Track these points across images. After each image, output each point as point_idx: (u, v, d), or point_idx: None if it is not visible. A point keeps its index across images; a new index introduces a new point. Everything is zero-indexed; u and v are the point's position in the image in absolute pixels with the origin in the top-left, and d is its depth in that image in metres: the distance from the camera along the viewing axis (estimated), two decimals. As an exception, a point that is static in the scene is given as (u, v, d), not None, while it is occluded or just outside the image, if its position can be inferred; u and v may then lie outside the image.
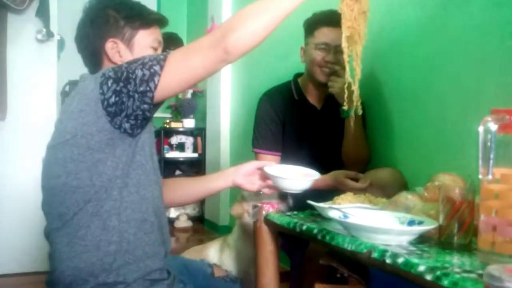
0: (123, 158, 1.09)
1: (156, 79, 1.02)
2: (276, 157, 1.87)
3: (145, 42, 1.25)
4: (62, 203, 1.09)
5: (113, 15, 1.23)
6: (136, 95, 1.03)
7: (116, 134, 1.06)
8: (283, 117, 1.90)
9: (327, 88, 1.80)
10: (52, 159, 1.13)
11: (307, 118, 1.90)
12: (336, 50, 1.79)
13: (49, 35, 2.62)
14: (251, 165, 1.40)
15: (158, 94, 1.04)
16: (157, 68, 1.02)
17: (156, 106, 1.10)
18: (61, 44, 3.41)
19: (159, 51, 1.29)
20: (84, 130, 1.06)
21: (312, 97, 1.93)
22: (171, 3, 4.75)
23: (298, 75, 1.99)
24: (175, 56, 1.05)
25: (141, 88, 1.02)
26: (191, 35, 4.68)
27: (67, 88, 3.86)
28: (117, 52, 1.23)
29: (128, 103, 1.03)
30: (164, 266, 1.16)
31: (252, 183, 1.38)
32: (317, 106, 1.93)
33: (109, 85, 1.04)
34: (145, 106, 1.04)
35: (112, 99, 1.04)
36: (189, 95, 4.34)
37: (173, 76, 1.03)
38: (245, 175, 1.38)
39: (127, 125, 1.06)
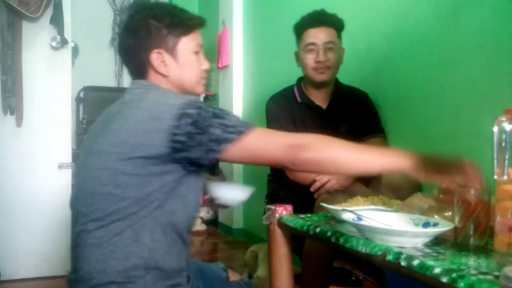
0: (170, 185, 1.09)
1: (226, 146, 1.03)
2: None
3: (187, 48, 1.24)
4: (103, 210, 1.08)
5: (155, 25, 1.20)
6: (205, 148, 1.04)
7: (173, 165, 1.07)
8: (293, 117, 1.93)
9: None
10: (102, 165, 1.11)
11: (313, 119, 1.92)
12: (325, 48, 1.84)
13: (63, 42, 2.65)
14: None
15: (224, 157, 1.06)
16: (232, 136, 1.03)
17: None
18: (75, 51, 3.46)
19: (201, 54, 1.29)
20: (144, 151, 1.06)
21: (316, 98, 1.95)
22: (183, 7, 4.77)
23: (301, 78, 2.02)
24: (254, 136, 1.05)
25: (211, 145, 1.03)
26: (203, 39, 4.69)
27: (81, 94, 3.92)
28: (162, 62, 1.20)
29: (194, 150, 1.04)
30: (184, 278, 1.16)
31: None
32: (323, 106, 1.95)
33: (187, 123, 1.04)
34: (207, 162, 1.07)
35: (183, 138, 1.04)
36: (201, 99, 4.36)
37: (240, 152, 1.05)
38: None
39: (185, 163, 1.08)
